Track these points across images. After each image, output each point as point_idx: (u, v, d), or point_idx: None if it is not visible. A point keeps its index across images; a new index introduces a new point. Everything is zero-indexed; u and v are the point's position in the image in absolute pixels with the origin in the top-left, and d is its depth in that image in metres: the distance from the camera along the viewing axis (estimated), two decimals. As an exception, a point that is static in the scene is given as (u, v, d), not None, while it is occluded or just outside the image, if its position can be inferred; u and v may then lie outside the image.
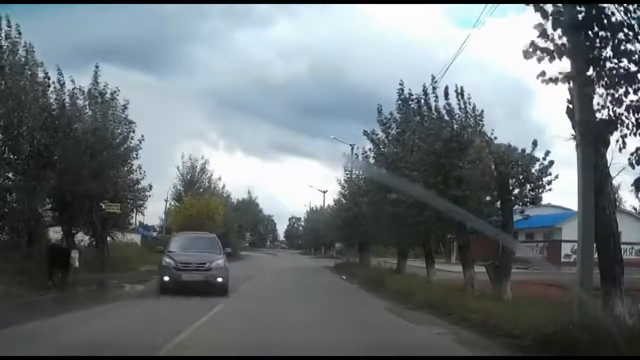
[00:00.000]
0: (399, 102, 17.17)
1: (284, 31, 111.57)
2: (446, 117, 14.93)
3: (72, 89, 19.43)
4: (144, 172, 22.52)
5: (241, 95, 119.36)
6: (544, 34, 6.39)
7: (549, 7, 6.30)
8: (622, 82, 6.53)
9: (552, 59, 6.52)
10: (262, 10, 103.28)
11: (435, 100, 15.44)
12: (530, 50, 6.47)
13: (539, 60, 6.51)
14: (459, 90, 14.83)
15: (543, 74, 6.55)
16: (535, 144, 12.92)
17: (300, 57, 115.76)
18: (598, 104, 7.00)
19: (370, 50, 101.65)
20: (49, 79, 18.35)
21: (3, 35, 16.20)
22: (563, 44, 6.48)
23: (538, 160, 12.69)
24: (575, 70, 6.84)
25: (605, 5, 6.18)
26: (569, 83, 6.93)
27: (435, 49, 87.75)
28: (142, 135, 21.30)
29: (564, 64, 6.88)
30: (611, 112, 6.82)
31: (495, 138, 14.04)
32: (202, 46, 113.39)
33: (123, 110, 20.61)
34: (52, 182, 17.23)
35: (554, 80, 6.67)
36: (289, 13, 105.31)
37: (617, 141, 6.91)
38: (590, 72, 6.70)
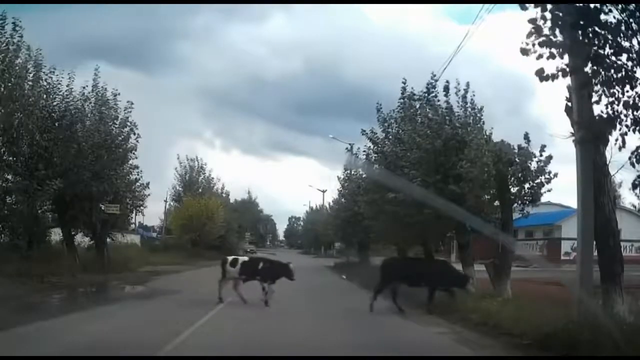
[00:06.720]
0: (402, 99, 17.09)
1: (279, 27, 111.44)
2: (446, 116, 14.91)
3: (71, 89, 19.32)
4: (141, 171, 22.46)
5: (236, 93, 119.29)
6: (538, 31, 6.36)
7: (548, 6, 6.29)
8: (620, 79, 6.51)
9: (551, 56, 6.49)
10: (256, 6, 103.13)
11: (435, 97, 15.42)
12: (529, 47, 6.43)
13: (538, 57, 6.47)
14: (458, 87, 14.83)
15: (542, 71, 6.51)
16: (527, 138, 12.63)
17: (295, 54, 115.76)
18: (602, 108, 7.00)
19: (367, 46, 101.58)
20: (51, 80, 18.34)
21: (6, 37, 16.10)
22: (561, 42, 6.46)
23: (534, 154, 12.43)
24: (573, 65, 6.79)
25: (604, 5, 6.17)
26: (564, 77, 6.84)
27: (432, 44, 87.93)
28: (137, 131, 20.98)
29: (563, 61, 6.85)
30: (610, 110, 6.82)
31: (491, 134, 14.04)
32: (194, 43, 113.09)
33: (125, 112, 20.49)
34: (52, 184, 17.17)
35: (553, 77, 6.62)
36: (283, 9, 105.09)
37: (617, 140, 6.90)
38: (588, 68, 6.68)
